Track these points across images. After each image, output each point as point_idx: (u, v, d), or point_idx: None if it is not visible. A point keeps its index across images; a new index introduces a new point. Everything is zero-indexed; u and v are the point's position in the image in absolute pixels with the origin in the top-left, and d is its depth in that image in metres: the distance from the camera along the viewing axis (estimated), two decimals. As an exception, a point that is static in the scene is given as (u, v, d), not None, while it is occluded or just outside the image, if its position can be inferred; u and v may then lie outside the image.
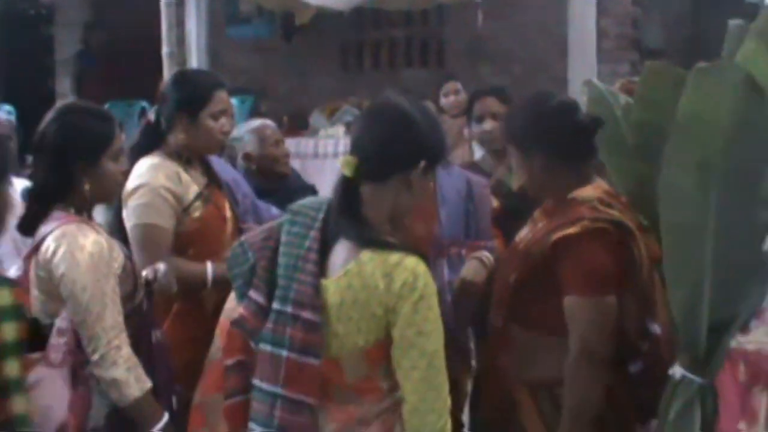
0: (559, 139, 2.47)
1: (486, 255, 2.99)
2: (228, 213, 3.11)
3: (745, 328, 1.98)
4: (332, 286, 2.00)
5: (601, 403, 2.34)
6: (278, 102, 8.94)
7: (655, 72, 2.45)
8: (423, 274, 1.96)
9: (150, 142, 3.02)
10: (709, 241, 2.05)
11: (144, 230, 2.88)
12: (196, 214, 2.99)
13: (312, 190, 3.96)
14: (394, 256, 1.96)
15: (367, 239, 2.00)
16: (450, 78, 6.52)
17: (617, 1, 8.00)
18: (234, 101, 6.67)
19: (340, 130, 7.61)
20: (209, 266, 2.95)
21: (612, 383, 2.34)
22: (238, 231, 3.04)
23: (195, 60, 7.49)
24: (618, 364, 2.42)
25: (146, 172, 2.93)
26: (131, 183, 2.91)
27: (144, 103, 9.34)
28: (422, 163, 2.03)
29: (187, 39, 7.54)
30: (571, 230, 2.37)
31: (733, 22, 2.37)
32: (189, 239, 2.97)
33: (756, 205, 2.05)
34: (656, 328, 2.34)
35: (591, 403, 2.32)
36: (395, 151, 2.03)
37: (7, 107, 10.59)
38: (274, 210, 3.26)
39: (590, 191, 2.45)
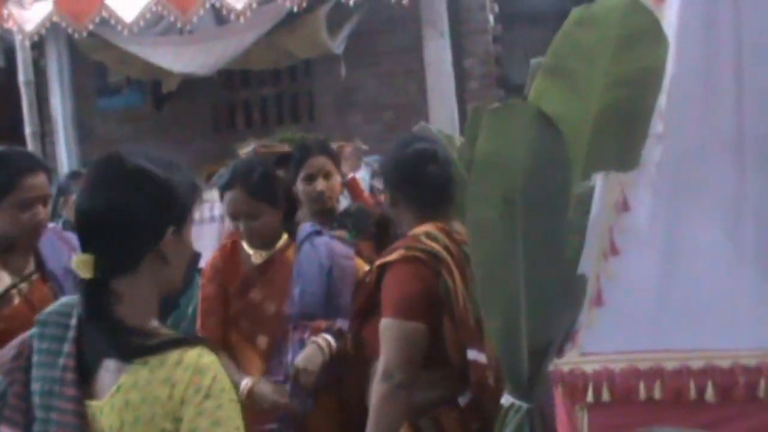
0: (407, 183, 2.69)
1: (326, 338, 2.93)
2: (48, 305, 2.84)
3: (560, 351, 2.06)
4: (106, 409, 1.64)
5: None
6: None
7: (476, 111, 2.56)
8: (208, 366, 1.64)
9: None
10: (519, 271, 2.14)
11: None
12: (3, 309, 2.67)
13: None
14: (172, 356, 1.63)
15: (131, 350, 1.64)
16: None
17: (478, 42, 8.25)
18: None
19: (215, 193, 7.59)
20: None
21: (443, 417, 2.43)
22: None
23: (62, 135, 7.42)
24: (448, 398, 2.54)
25: None
26: None
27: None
28: (170, 230, 1.71)
29: (53, 115, 7.47)
30: (389, 257, 2.59)
31: (534, 60, 2.51)
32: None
33: (561, 231, 2.15)
34: (482, 358, 2.44)
35: (389, 426, 2.42)
36: (136, 230, 1.68)
37: None
38: None
39: (425, 227, 2.60)
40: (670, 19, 2.14)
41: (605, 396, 1.96)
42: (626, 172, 2.11)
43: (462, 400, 2.53)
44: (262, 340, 3.01)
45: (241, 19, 5.85)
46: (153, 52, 6.97)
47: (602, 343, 2.02)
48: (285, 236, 3.12)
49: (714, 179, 2.05)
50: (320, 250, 3.06)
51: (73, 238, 2.99)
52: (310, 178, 3.51)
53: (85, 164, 8.56)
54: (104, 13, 6.04)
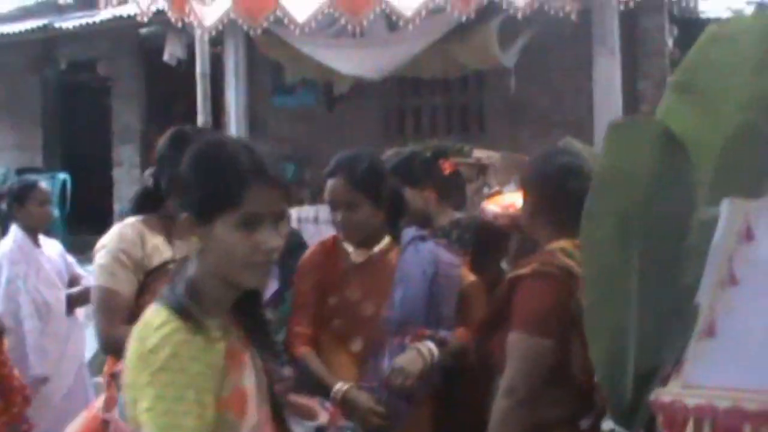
0: (548, 197, 2.60)
1: (428, 346, 2.83)
2: None
3: (666, 381, 1.97)
4: None
5: None
6: (322, 169, 9.12)
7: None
8: (156, 328, 1.71)
9: (143, 206, 2.94)
10: (631, 293, 2.06)
11: (101, 294, 2.79)
12: (157, 284, 2.74)
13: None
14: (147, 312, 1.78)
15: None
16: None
17: (654, 64, 8.04)
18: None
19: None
20: None
21: None
22: None
23: (234, 128, 7.71)
24: (568, 419, 2.45)
25: (112, 232, 2.86)
26: (99, 243, 2.86)
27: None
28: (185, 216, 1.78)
29: (227, 108, 7.78)
30: (522, 271, 2.52)
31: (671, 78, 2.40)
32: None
33: (680, 256, 2.05)
34: None
35: None
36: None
37: (62, 175, 11.02)
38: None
39: (561, 243, 2.53)
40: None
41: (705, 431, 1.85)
42: (754, 199, 1.98)
43: (585, 423, 2.44)
44: (357, 343, 2.90)
45: (410, 27, 5.89)
46: (324, 53, 7.14)
47: (709, 377, 1.90)
48: (388, 239, 3.01)
49: None
50: (424, 256, 2.96)
51: None
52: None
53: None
54: (279, 12, 6.22)
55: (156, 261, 2.81)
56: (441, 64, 7.58)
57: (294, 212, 4.82)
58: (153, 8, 6.15)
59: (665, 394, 1.93)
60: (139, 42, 10.54)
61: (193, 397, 1.65)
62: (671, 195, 2.04)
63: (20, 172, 10.56)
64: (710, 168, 2.06)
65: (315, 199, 7.46)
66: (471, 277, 2.97)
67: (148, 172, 3.03)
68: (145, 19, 6.23)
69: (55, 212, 10.82)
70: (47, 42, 11.25)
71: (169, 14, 6.37)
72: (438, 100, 9.37)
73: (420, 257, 2.93)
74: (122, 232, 2.83)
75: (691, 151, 2.03)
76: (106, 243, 2.83)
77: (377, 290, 2.90)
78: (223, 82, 7.72)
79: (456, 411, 2.95)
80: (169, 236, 2.82)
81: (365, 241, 2.97)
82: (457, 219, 3.57)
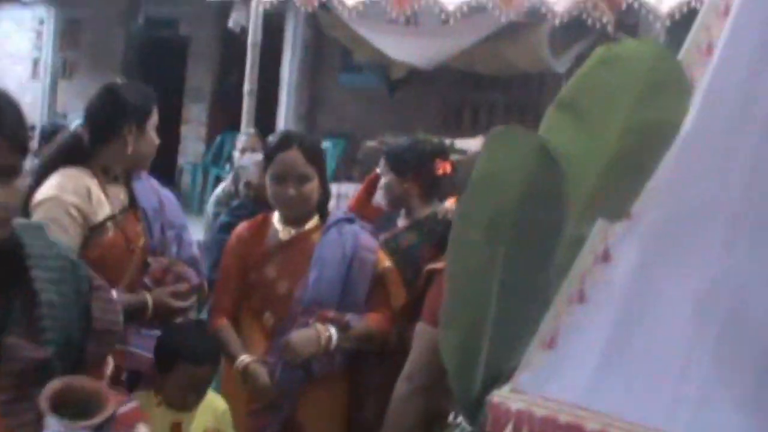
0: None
1: (328, 329, 2.89)
2: (139, 242, 3.04)
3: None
4: None
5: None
6: (378, 150, 9.28)
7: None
8: None
9: (71, 155, 3.00)
10: (492, 297, 2.12)
11: None
12: (102, 238, 2.91)
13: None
14: None
15: None
16: None
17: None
18: (326, 144, 7.03)
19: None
20: (114, 294, 2.89)
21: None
22: (144, 264, 3.03)
23: (285, 101, 7.89)
24: None
25: (56, 185, 2.89)
26: (39, 195, 2.88)
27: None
28: None
29: (281, 81, 7.97)
30: (438, 265, 2.66)
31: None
32: (92, 263, 2.65)
33: (545, 269, 2.10)
34: None
35: (401, 427, 2.46)
36: None
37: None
38: (195, 249, 3.31)
39: None
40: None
41: (520, 435, 1.92)
42: (614, 222, 2.03)
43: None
44: (269, 318, 3.02)
45: (459, 21, 5.97)
46: (378, 37, 7.27)
47: (537, 386, 1.97)
48: (316, 218, 3.11)
49: (700, 251, 1.93)
50: (346, 239, 3.01)
51: (158, 185, 3.29)
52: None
53: (311, 129, 9.10)
54: (332, -6, 6.36)
55: (101, 215, 2.89)
56: (494, 61, 7.64)
57: (334, 188, 4.96)
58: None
59: (496, 395, 2.00)
60: (218, 6, 10.80)
61: None
62: (541, 207, 2.09)
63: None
64: (587, 187, 2.10)
65: (363, 178, 7.60)
66: (387, 263, 3.04)
67: (78, 122, 3.13)
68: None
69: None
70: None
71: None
72: (498, 97, 9.42)
73: (341, 239, 3.00)
74: (68, 183, 2.86)
75: (571, 169, 2.08)
76: (52, 195, 2.85)
77: (294, 269, 2.99)
78: (279, 54, 7.89)
79: (375, 395, 3.05)
80: (104, 188, 2.92)
81: (299, 218, 3.05)
82: (434, 212, 3.64)
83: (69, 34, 12.41)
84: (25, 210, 2.83)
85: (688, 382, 1.86)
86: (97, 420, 1.73)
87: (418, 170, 3.62)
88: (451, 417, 2.25)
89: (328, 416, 3.05)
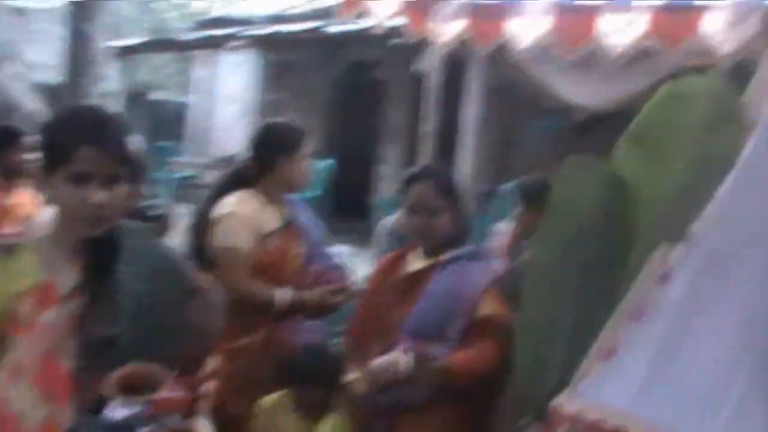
0: None
1: (407, 359, 2.92)
2: (297, 251, 3.55)
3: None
4: None
5: None
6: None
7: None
8: None
9: (236, 182, 3.57)
10: (565, 311, 2.32)
11: (226, 253, 3.41)
12: (268, 247, 3.45)
13: None
14: None
15: None
16: None
17: None
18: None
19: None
20: (284, 292, 3.43)
21: None
22: (304, 272, 3.53)
23: (470, 142, 8.17)
24: None
25: (233, 203, 3.46)
26: (220, 210, 3.45)
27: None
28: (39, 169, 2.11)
29: (464, 122, 8.29)
30: None
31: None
32: (260, 267, 3.44)
33: (614, 288, 2.29)
34: None
35: None
36: None
37: (329, 161, 12.07)
38: (336, 261, 3.76)
39: None
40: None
41: (575, 438, 2.11)
42: (675, 245, 2.19)
43: None
44: (377, 347, 3.07)
45: (617, 64, 6.08)
46: (555, 81, 7.43)
47: (592, 392, 2.15)
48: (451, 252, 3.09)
49: (747, 279, 2.06)
50: (456, 274, 3.01)
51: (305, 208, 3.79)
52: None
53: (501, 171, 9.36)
54: (506, 37, 6.60)
55: (267, 228, 3.51)
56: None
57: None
58: (389, 23, 6.80)
59: (556, 401, 2.20)
60: (413, 51, 11.31)
61: None
62: (611, 230, 2.28)
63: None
64: (653, 214, 2.27)
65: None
66: (491, 309, 2.96)
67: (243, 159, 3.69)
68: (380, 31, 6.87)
69: (318, 193, 11.94)
70: (339, 42, 12.35)
71: (406, 30, 6.97)
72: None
73: (452, 275, 3.02)
74: (245, 202, 3.50)
75: (638, 197, 2.26)
76: (231, 210, 3.45)
77: (411, 300, 3.05)
78: (458, 96, 8.21)
79: None
80: (267, 208, 3.56)
81: (431, 250, 3.12)
82: None
83: (278, 77, 13.32)
84: (203, 222, 3.50)
85: (727, 396, 1.99)
86: (140, 399, 1.97)
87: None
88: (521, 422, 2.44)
89: None
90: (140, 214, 4.53)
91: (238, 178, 3.61)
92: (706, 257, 2.14)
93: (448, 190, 3.10)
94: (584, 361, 2.24)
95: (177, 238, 4.49)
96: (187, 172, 14.31)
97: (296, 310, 3.50)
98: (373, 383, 2.96)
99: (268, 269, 3.49)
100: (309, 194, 11.91)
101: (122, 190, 2.10)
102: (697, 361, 2.05)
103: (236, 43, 13.19)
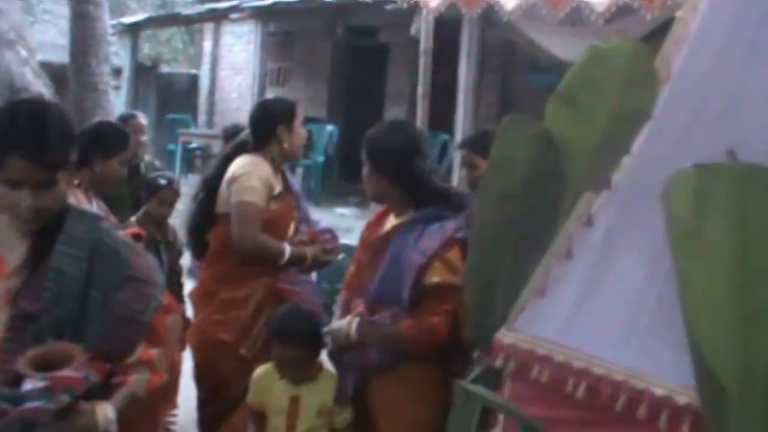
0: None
1: (353, 324, 3.19)
2: (294, 214, 4.07)
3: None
4: None
5: None
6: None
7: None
8: None
9: (239, 151, 4.06)
10: (505, 259, 2.57)
11: (245, 207, 3.85)
12: (275, 206, 3.93)
13: None
14: None
15: None
16: None
17: None
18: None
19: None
20: (287, 247, 3.87)
21: None
22: (296, 232, 4.07)
23: (462, 99, 8.41)
24: None
25: (248, 163, 3.92)
26: (235, 171, 3.91)
27: (445, 137, 10.45)
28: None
29: (458, 84, 8.51)
30: None
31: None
32: (266, 225, 3.89)
33: (547, 232, 2.54)
34: None
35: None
36: None
37: (330, 127, 12.31)
38: (322, 224, 4.26)
39: None
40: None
41: (510, 366, 2.38)
42: (597, 193, 2.44)
43: None
44: (358, 305, 3.29)
45: (600, 21, 6.28)
46: (546, 39, 7.64)
47: (526, 326, 2.42)
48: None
49: (655, 221, 2.30)
50: (411, 238, 3.15)
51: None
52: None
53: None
54: (491, 0, 6.81)
55: (277, 190, 4.04)
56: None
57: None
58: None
59: (498, 335, 2.47)
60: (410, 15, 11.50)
61: None
62: (544, 183, 2.53)
63: (307, 121, 11.99)
64: (581, 166, 2.52)
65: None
66: (440, 277, 3.10)
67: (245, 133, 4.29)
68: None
69: (320, 158, 12.21)
70: (339, 9, 12.55)
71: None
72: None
73: (408, 238, 3.16)
74: (258, 163, 3.99)
75: (568, 151, 2.51)
76: (248, 169, 3.92)
77: (380, 262, 3.24)
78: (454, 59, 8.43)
79: None
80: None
81: (402, 211, 3.33)
82: None
83: (282, 46, 13.57)
84: (211, 186, 3.98)
85: (636, 325, 2.24)
86: (42, 374, 2.06)
87: None
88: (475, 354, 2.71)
89: (397, 406, 3.20)
90: (150, 184, 4.87)
91: (241, 149, 4.05)
92: (621, 203, 2.39)
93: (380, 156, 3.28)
94: (520, 299, 2.50)
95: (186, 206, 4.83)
96: (196, 143, 14.62)
97: (294, 264, 3.93)
98: (333, 344, 3.25)
99: (272, 228, 3.90)
100: (313, 160, 12.25)
101: (56, 192, 2.21)
102: (613, 296, 2.31)
103: (239, 14, 13.42)
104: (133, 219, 4.88)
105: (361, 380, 3.33)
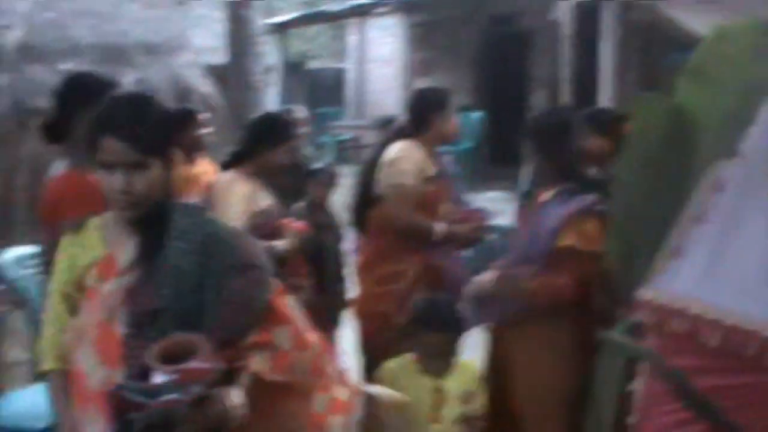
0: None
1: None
2: (446, 195, 4.41)
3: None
4: None
5: None
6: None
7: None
8: None
9: (396, 137, 4.42)
10: (645, 220, 2.81)
11: (399, 189, 4.25)
12: (430, 188, 4.30)
13: None
14: None
15: None
16: None
17: None
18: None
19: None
20: (439, 225, 4.21)
21: None
22: (450, 212, 4.39)
23: (604, 83, 8.52)
24: None
25: (403, 149, 4.33)
26: (391, 155, 4.32)
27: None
28: None
29: (599, 65, 8.62)
30: None
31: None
32: (419, 205, 4.29)
33: (680, 198, 2.77)
34: None
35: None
36: None
37: (477, 114, 12.54)
38: (477, 205, 4.62)
39: None
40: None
41: (650, 320, 2.63)
42: (727, 160, 2.66)
43: None
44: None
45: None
46: (686, 17, 7.68)
47: (664, 283, 2.65)
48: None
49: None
50: (552, 209, 3.56)
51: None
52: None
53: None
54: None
55: (429, 173, 4.46)
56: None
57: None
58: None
59: (639, 291, 2.71)
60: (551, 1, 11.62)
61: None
62: (678, 153, 2.76)
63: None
64: (711, 136, 2.74)
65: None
66: (571, 241, 3.44)
67: (401, 119, 4.54)
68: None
69: (469, 144, 12.49)
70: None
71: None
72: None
73: (550, 210, 3.52)
74: (412, 150, 4.46)
75: (699, 123, 2.73)
76: (402, 155, 4.36)
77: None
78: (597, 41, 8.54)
79: None
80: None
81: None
82: None
83: (426, 37, 13.92)
84: (370, 171, 4.38)
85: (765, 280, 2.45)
86: (173, 367, 2.09)
87: (610, 129, 4.17)
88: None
89: (532, 357, 3.57)
90: (312, 174, 5.31)
91: (398, 136, 4.43)
92: (749, 169, 2.59)
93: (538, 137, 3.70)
94: (658, 259, 2.73)
95: (341, 195, 5.24)
96: (347, 135, 15.16)
97: (446, 241, 4.28)
98: (471, 297, 3.63)
99: (425, 208, 4.29)
100: (463, 146, 12.54)
101: (149, 177, 2.25)
102: (743, 254, 2.51)
103: (383, 8, 13.85)
104: (297, 205, 5.31)
105: (497, 332, 3.65)
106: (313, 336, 2.56)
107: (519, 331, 3.59)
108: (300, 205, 5.38)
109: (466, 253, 4.74)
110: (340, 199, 5.67)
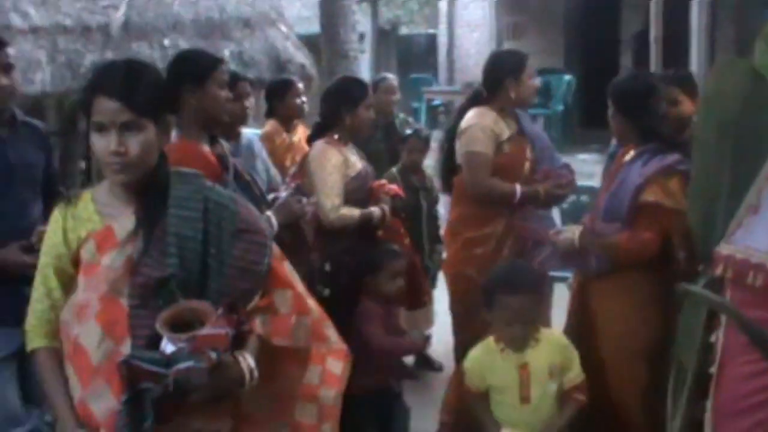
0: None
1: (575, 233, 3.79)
2: (527, 155, 4.49)
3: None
4: None
5: None
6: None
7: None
8: None
9: (474, 104, 4.56)
10: (724, 180, 2.92)
11: (472, 156, 4.39)
12: (503, 151, 4.39)
13: None
14: None
15: None
16: None
17: None
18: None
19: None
20: (518, 187, 4.37)
21: None
22: (533, 171, 4.49)
23: (695, 42, 8.47)
24: None
25: (476, 116, 4.42)
26: (464, 123, 4.44)
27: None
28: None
29: (691, 25, 8.57)
30: None
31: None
32: (498, 168, 4.41)
33: (759, 157, 2.88)
34: None
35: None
36: None
37: (567, 76, 12.52)
38: (562, 162, 4.61)
39: None
40: None
41: (729, 274, 2.77)
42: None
43: None
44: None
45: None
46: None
47: (742, 239, 2.78)
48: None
49: None
50: (636, 166, 3.68)
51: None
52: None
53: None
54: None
55: (505, 135, 4.56)
56: None
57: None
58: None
59: (719, 247, 2.85)
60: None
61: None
62: (755, 115, 2.87)
63: (544, 72, 12.33)
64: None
65: None
66: (655, 197, 3.55)
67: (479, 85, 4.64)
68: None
69: (559, 107, 12.50)
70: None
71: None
72: None
73: (633, 168, 3.64)
74: (484, 116, 4.51)
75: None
76: (475, 122, 4.46)
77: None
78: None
79: None
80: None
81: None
82: None
83: (514, 1, 13.94)
84: (451, 138, 4.54)
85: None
86: (185, 335, 2.06)
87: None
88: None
89: (616, 309, 3.70)
90: (405, 139, 5.49)
91: (476, 100, 4.53)
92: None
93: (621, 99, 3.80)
94: (736, 216, 2.86)
95: (434, 160, 5.43)
96: (438, 100, 15.30)
97: (528, 201, 4.38)
98: (555, 251, 3.83)
99: (504, 170, 4.41)
100: (553, 109, 12.58)
101: (143, 139, 2.19)
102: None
103: (473, -28, 13.91)
104: (393, 169, 5.53)
105: (581, 285, 3.82)
106: (312, 301, 2.57)
107: (603, 284, 3.73)
108: (397, 168, 5.59)
109: (557, 212, 4.86)
110: (432, 163, 5.84)
